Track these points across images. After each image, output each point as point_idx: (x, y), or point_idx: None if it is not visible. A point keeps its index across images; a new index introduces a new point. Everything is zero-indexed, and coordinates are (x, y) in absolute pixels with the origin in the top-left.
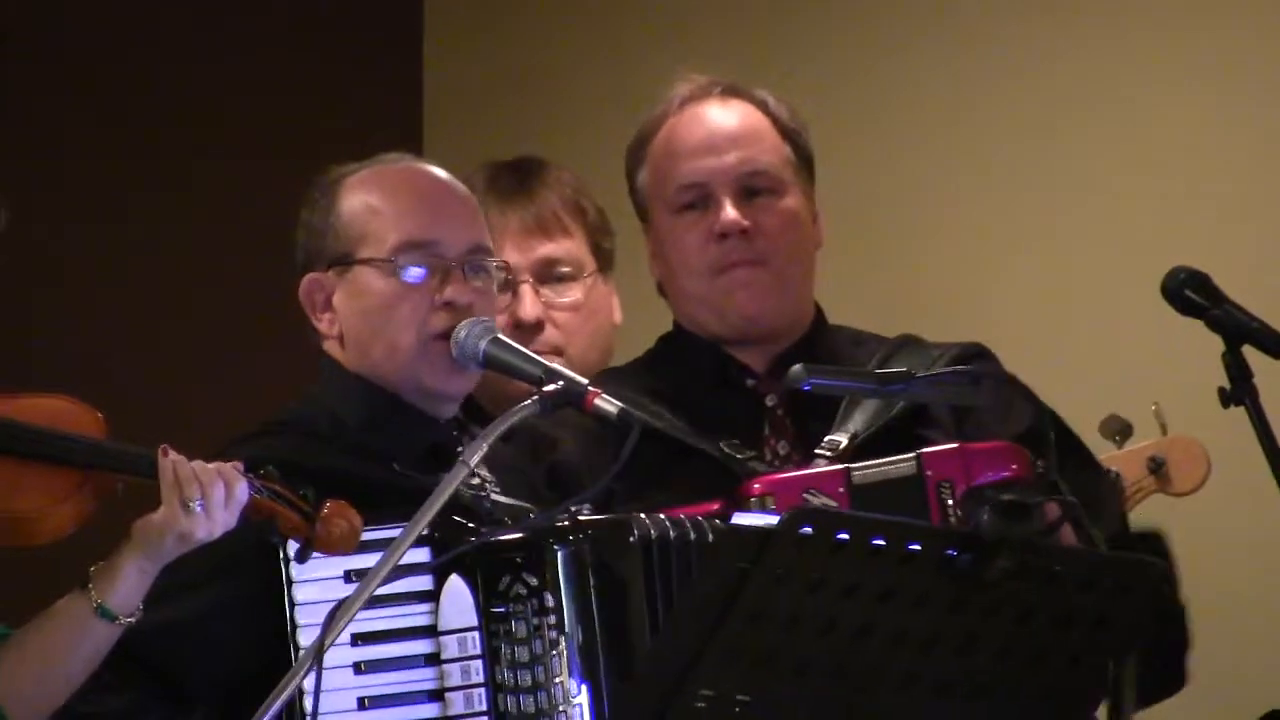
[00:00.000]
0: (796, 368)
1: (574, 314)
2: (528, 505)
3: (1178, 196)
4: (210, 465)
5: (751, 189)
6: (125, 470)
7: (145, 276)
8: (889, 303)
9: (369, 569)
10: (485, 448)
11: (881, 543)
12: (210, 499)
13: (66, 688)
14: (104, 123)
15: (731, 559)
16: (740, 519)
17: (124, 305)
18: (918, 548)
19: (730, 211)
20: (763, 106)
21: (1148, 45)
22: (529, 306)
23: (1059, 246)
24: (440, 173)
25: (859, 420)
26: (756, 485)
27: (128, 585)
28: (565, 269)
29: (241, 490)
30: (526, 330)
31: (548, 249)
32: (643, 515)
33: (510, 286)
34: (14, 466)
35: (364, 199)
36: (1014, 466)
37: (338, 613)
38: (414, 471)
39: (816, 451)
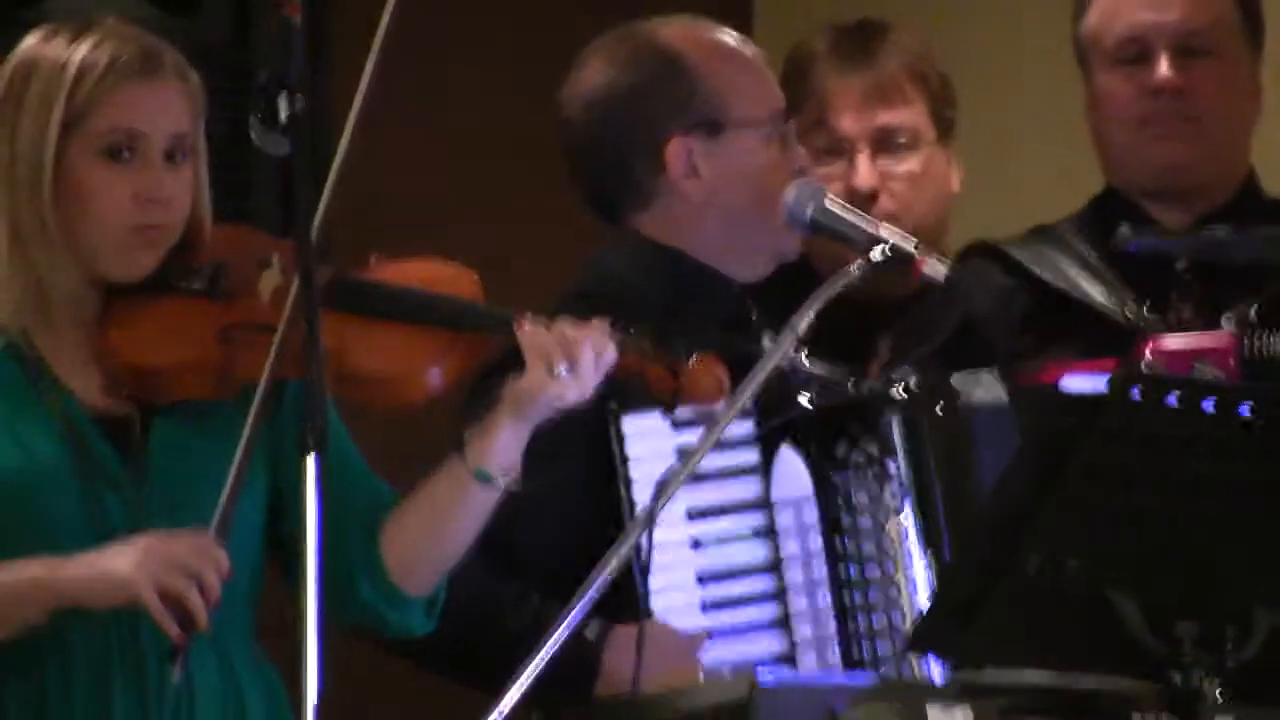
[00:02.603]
0: (1123, 229)
1: (910, 184)
2: (842, 372)
3: None
4: (579, 328)
5: (1192, 49)
6: (495, 332)
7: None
8: None
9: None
10: (812, 315)
11: (1212, 406)
12: (579, 363)
13: (456, 549)
14: None
15: (1058, 423)
16: (1069, 382)
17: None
18: (1248, 410)
19: (1165, 69)
20: None
21: None
22: (864, 175)
23: None
24: None
25: (1276, 290)
26: (1148, 349)
27: (502, 448)
28: (903, 139)
29: (610, 353)
30: (861, 199)
31: (886, 117)
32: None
33: (846, 153)
34: (389, 328)
35: (719, 58)
36: None
37: (667, 483)
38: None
39: (1223, 319)
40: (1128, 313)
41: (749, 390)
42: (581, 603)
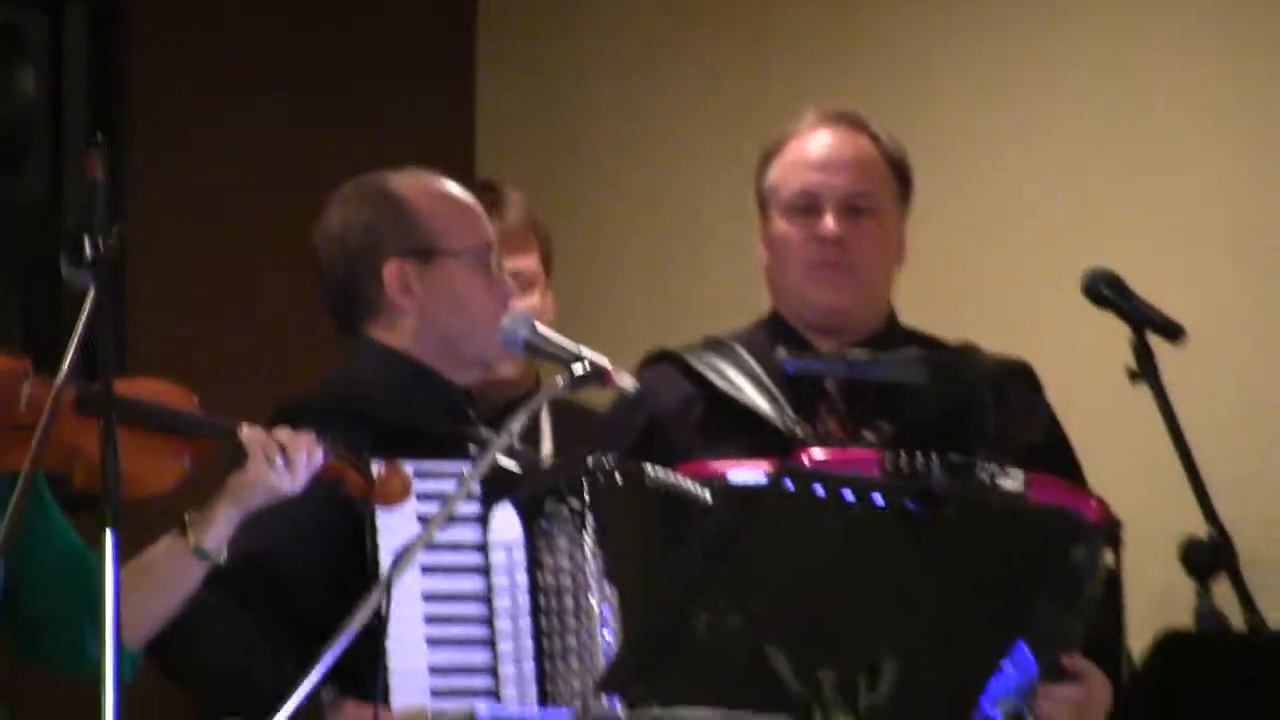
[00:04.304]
0: (780, 351)
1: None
2: (553, 458)
3: (1091, 201)
4: (293, 434)
5: (854, 208)
6: (218, 436)
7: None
8: None
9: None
10: (525, 418)
11: (851, 495)
12: (294, 459)
13: (164, 616)
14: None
15: (726, 509)
16: (733, 474)
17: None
18: (880, 500)
19: (830, 223)
20: (877, 141)
21: (1062, 41)
22: None
23: (992, 248)
24: None
25: (912, 412)
26: (805, 457)
27: (220, 530)
28: (526, 278)
29: (319, 454)
30: None
31: (513, 263)
32: (653, 467)
33: None
34: (132, 434)
35: (434, 200)
36: (1094, 504)
37: (406, 552)
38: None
39: (864, 433)
40: (786, 422)
41: (474, 479)
42: (324, 662)
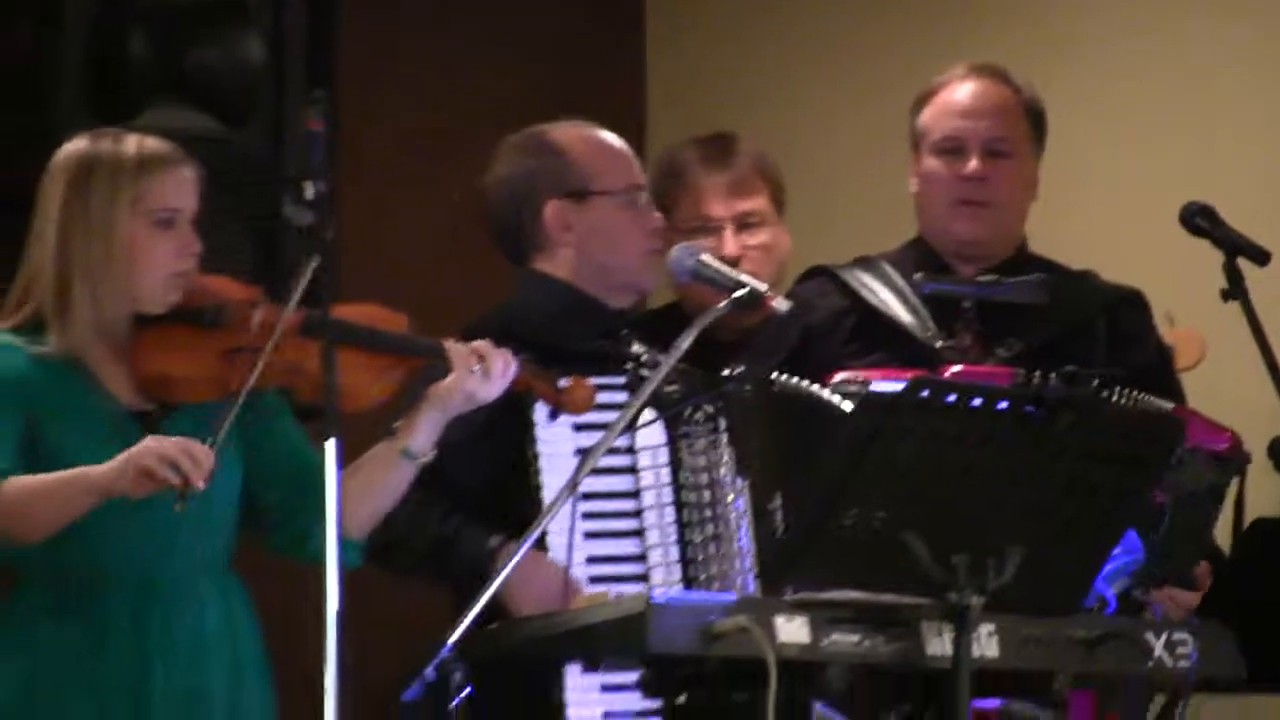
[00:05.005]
0: (918, 275)
1: (762, 251)
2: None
3: (1191, 136)
4: (492, 346)
5: (994, 151)
6: (426, 355)
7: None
8: None
9: (589, 423)
10: (694, 336)
11: (979, 402)
12: (492, 369)
13: (382, 508)
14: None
15: (868, 415)
16: (875, 385)
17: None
18: (1005, 406)
19: (975, 163)
20: (1016, 91)
21: None
22: (730, 247)
23: (1096, 181)
24: None
25: (1038, 331)
26: (948, 372)
27: (424, 433)
28: (755, 219)
29: (514, 368)
30: (728, 265)
31: (744, 205)
32: (787, 377)
33: (715, 231)
34: (350, 354)
35: (588, 147)
36: (1227, 437)
37: (587, 455)
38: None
39: (998, 350)
40: (927, 335)
41: (650, 387)
42: (516, 556)
